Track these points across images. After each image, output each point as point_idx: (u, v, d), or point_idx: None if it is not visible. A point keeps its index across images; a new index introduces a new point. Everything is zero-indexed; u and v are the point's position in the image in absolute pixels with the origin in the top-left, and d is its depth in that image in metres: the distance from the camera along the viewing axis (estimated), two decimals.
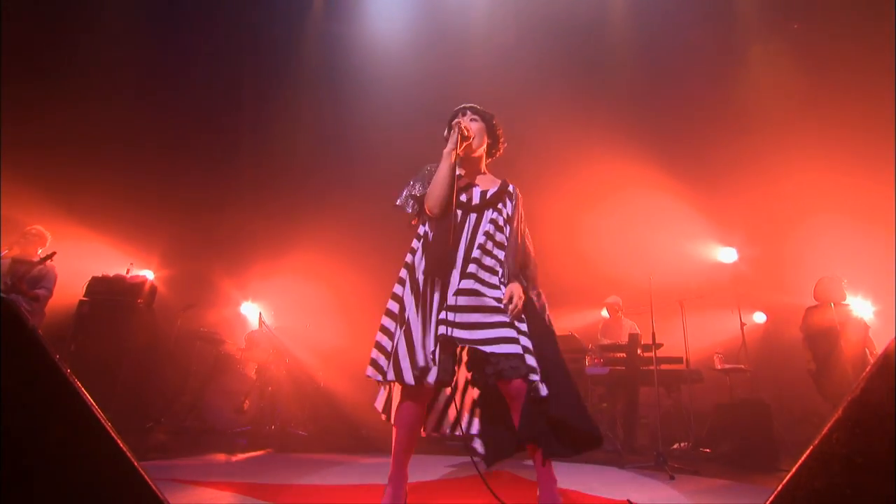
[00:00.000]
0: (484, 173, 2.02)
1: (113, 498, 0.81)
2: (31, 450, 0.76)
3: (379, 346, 1.77)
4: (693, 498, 2.50)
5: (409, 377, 1.65)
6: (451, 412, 1.86)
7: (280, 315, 5.87)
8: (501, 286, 1.77)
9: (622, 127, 5.63)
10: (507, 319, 1.69)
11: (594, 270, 5.56)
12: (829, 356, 3.81)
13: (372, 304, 6.02)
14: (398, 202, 1.92)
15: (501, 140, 2.06)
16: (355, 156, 6.59)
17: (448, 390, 1.86)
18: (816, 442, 0.86)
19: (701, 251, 5.78)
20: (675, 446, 4.35)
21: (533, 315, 1.79)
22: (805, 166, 5.17)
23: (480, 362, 1.70)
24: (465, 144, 1.90)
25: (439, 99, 6.01)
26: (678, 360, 4.34)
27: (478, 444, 1.83)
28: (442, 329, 1.64)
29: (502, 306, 1.71)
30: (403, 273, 1.85)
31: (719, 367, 4.64)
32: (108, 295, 4.19)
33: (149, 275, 5.07)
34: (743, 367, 4.64)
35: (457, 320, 1.66)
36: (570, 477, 2.84)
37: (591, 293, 5.70)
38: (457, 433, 1.85)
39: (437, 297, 1.74)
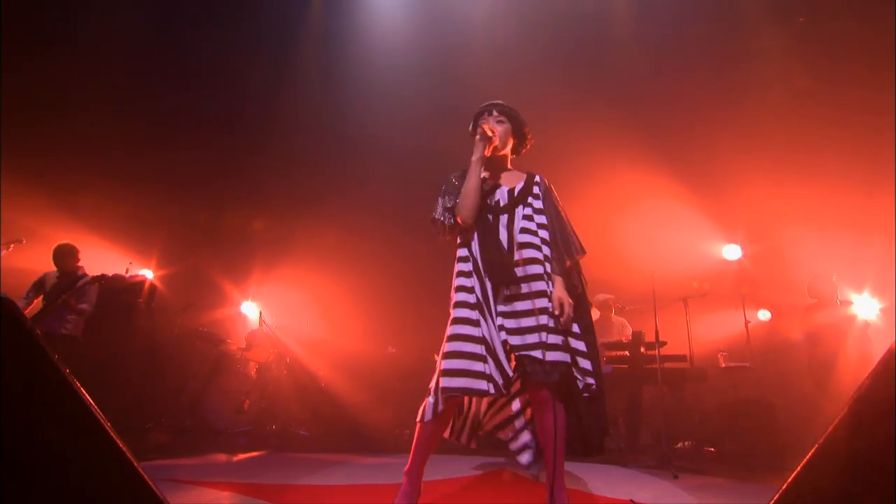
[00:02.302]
0: (509, 170, 2.00)
1: (113, 498, 0.82)
2: (31, 450, 0.77)
3: (453, 354, 1.67)
4: (697, 497, 2.50)
5: (485, 386, 1.62)
6: (475, 421, 1.86)
7: (281, 314, 5.88)
8: (547, 283, 1.76)
9: (623, 121, 5.61)
10: (553, 324, 1.69)
11: (593, 269, 5.54)
12: (830, 356, 3.79)
13: (375, 304, 6.08)
14: (435, 215, 1.89)
15: (529, 137, 2.04)
16: (357, 150, 6.59)
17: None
18: (821, 441, 0.86)
19: (704, 248, 5.76)
20: (679, 445, 4.35)
21: (584, 316, 1.79)
22: (812, 160, 5.14)
23: (528, 369, 1.69)
24: (491, 147, 1.88)
25: (442, 98, 6.02)
26: (682, 359, 4.33)
27: (525, 457, 1.82)
28: (503, 336, 1.67)
29: (549, 310, 1.70)
30: (459, 281, 1.80)
31: (723, 365, 4.63)
32: (106, 294, 4.21)
33: (148, 274, 5.08)
34: (747, 365, 4.63)
35: (508, 326, 1.68)
36: (572, 476, 2.84)
37: (590, 292, 5.69)
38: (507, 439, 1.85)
39: (493, 303, 1.75)
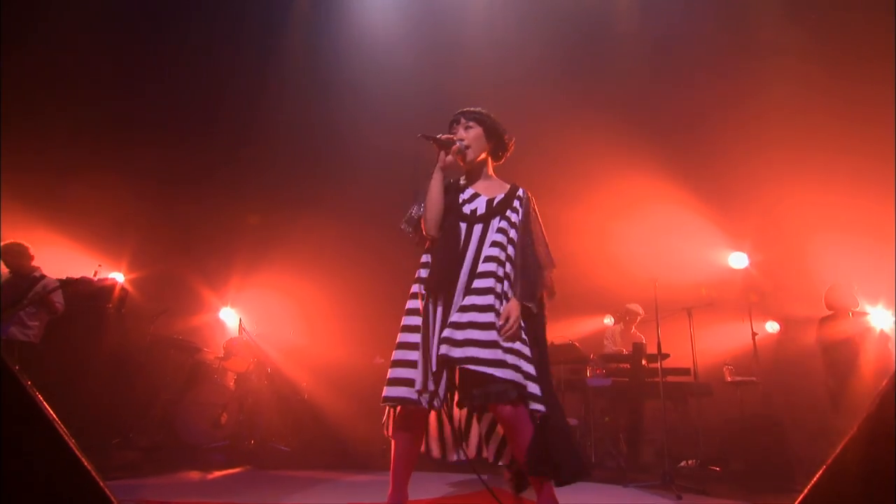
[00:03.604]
0: (490, 178, 2.01)
1: None
2: None
3: (393, 363, 1.79)
4: None
5: (402, 392, 1.70)
6: (458, 434, 1.88)
7: (262, 321, 5.86)
8: (502, 300, 1.79)
9: (623, 121, 5.65)
10: (493, 338, 1.70)
11: (592, 277, 5.57)
12: (848, 370, 3.82)
13: (362, 311, 6.06)
14: (402, 225, 1.96)
15: (507, 140, 2.03)
16: (343, 151, 6.59)
17: (458, 413, 1.87)
18: (830, 461, 0.87)
19: (710, 256, 5.80)
20: (683, 464, 4.37)
21: (535, 337, 1.81)
22: (824, 162, 5.20)
23: (470, 383, 1.69)
24: (456, 156, 1.92)
25: (434, 99, 6.04)
26: (685, 372, 4.35)
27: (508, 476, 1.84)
28: (443, 349, 1.67)
29: (491, 322, 1.72)
30: (415, 287, 1.88)
31: (729, 379, 4.66)
32: (73, 299, 4.15)
33: (118, 277, 5.04)
34: (754, 379, 4.66)
35: (457, 338, 1.69)
36: (569, 496, 2.82)
37: (589, 300, 5.71)
38: (460, 458, 1.88)
39: (440, 313, 1.77)
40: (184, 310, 5.83)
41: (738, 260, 5.63)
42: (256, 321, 5.75)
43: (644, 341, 4.92)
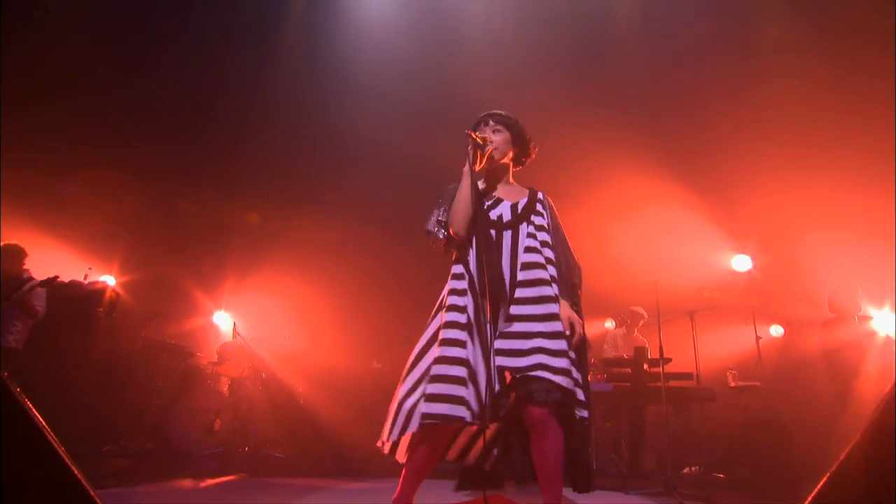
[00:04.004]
0: (511, 184, 2.04)
1: None
2: None
3: (439, 378, 1.70)
4: None
5: (463, 413, 1.64)
6: (479, 441, 1.88)
7: (257, 325, 5.85)
8: (558, 305, 1.80)
9: (623, 121, 5.65)
10: (564, 347, 1.72)
11: (591, 280, 5.56)
12: (852, 375, 3.83)
13: (360, 314, 6.04)
14: (428, 227, 1.93)
15: (531, 146, 2.07)
16: (342, 150, 6.58)
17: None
18: (834, 468, 0.87)
19: (712, 258, 5.81)
20: (686, 470, 4.36)
21: (580, 344, 1.83)
22: (829, 162, 5.20)
23: (513, 387, 1.71)
24: (485, 157, 1.92)
25: (435, 97, 6.04)
26: (688, 377, 4.35)
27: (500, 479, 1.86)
28: (499, 360, 1.68)
29: (559, 332, 1.74)
30: (452, 299, 1.81)
31: (733, 384, 4.67)
32: (63, 303, 4.14)
33: (109, 280, 5.03)
34: (759, 384, 4.67)
35: (505, 347, 1.70)
36: (568, 502, 2.83)
37: (589, 304, 5.70)
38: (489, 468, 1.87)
39: (489, 326, 1.76)
40: (176, 313, 5.81)
41: (741, 262, 5.63)
42: (251, 325, 5.74)
43: (647, 345, 4.93)
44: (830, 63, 5.37)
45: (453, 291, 1.83)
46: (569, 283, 1.89)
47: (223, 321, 6.18)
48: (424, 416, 1.67)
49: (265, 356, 5.15)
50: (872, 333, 4.02)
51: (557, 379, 1.65)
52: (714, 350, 5.37)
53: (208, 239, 6.35)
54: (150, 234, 5.89)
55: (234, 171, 6.45)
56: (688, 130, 5.88)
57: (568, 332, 1.75)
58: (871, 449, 0.82)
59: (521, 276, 1.81)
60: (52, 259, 4.95)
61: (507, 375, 1.75)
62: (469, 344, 1.73)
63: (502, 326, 1.75)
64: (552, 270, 1.86)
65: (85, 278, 4.57)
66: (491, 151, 1.93)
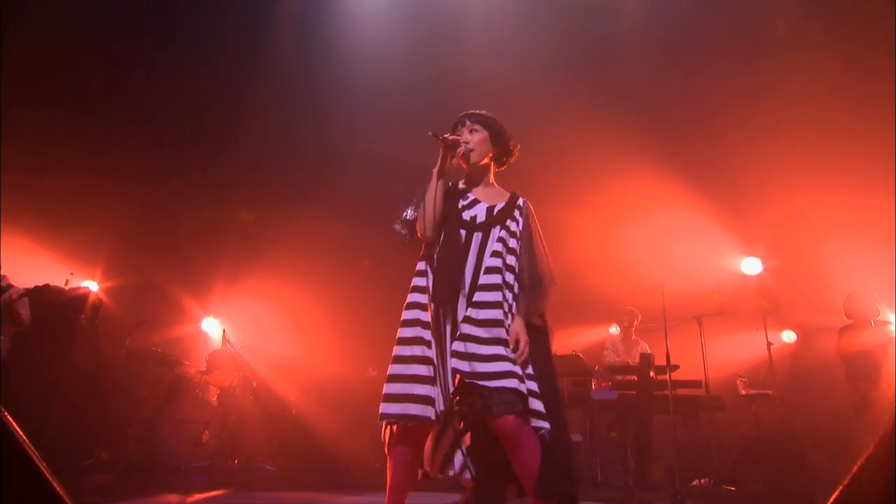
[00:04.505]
0: (491, 185, 2.06)
1: None
2: None
3: (396, 378, 1.78)
4: None
5: (424, 411, 1.70)
6: (458, 450, 1.90)
7: (247, 332, 5.85)
8: (509, 315, 1.83)
9: (629, 120, 5.67)
10: (503, 352, 1.74)
11: (596, 284, 5.58)
12: (870, 383, 3.83)
13: (355, 320, 6.04)
14: (395, 226, 2.00)
15: (512, 146, 2.09)
16: (336, 149, 6.58)
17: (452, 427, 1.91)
18: (846, 481, 0.87)
19: (721, 261, 5.81)
20: (695, 483, 4.36)
21: (540, 354, 1.84)
22: (842, 162, 5.22)
23: (472, 396, 1.72)
24: (457, 158, 1.96)
25: (432, 94, 6.05)
26: (696, 385, 4.36)
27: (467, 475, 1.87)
28: (455, 362, 1.71)
29: (508, 344, 1.77)
30: (414, 297, 1.89)
31: (744, 392, 4.67)
32: (43, 310, 4.13)
33: (92, 286, 5.02)
34: (770, 392, 4.67)
35: (458, 350, 1.73)
36: None
37: (593, 309, 5.72)
38: (455, 474, 1.89)
39: (448, 325, 1.82)
40: (163, 320, 5.80)
41: (751, 265, 5.64)
42: (241, 332, 5.73)
43: (649, 350, 4.94)
44: (844, 61, 5.39)
45: (415, 289, 1.91)
46: (530, 295, 1.89)
47: (212, 328, 6.17)
48: (381, 416, 1.74)
49: (256, 364, 5.14)
50: (891, 339, 4.03)
51: (505, 383, 1.67)
52: (723, 357, 5.37)
53: (197, 242, 6.34)
54: (135, 238, 5.86)
55: (225, 171, 6.44)
56: (695, 129, 5.89)
57: (511, 346, 1.77)
58: (886, 461, 0.82)
59: (482, 279, 1.84)
60: (31, 263, 4.95)
61: (458, 378, 1.77)
62: (434, 343, 1.80)
63: (462, 328, 1.78)
64: (508, 277, 1.88)
65: (66, 284, 4.56)
66: (464, 152, 1.96)
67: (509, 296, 1.86)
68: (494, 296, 1.82)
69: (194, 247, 6.31)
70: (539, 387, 1.77)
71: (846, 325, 4.20)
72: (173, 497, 3.45)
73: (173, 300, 6.05)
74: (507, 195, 2.05)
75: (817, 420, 5.08)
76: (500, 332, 1.77)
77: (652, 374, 4.39)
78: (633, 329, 5.14)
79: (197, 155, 6.26)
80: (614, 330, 5.48)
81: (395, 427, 1.79)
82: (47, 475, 0.83)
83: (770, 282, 5.70)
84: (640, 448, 4.42)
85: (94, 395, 4.43)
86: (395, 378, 1.77)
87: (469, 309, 1.79)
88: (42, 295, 3.95)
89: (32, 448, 0.84)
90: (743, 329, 5.47)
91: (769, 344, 4.83)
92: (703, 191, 5.68)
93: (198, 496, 3.50)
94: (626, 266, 5.86)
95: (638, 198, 5.94)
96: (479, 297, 1.81)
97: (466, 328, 1.76)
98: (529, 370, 1.78)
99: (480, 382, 1.68)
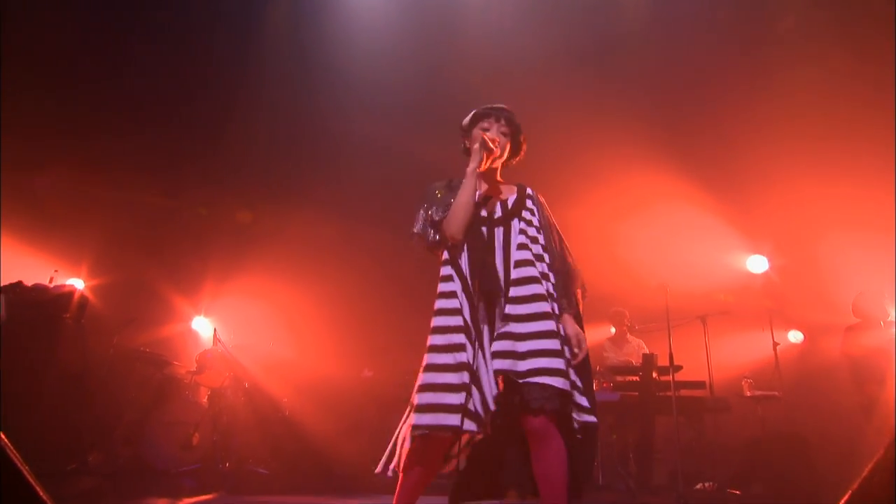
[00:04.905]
0: (498, 181, 2.09)
1: None
2: None
3: (428, 387, 1.74)
4: None
5: (455, 420, 1.66)
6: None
7: (239, 331, 5.81)
8: (550, 304, 1.83)
9: (631, 112, 5.66)
10: (558, 347, 1.74)
11: (596, 283, 5.58)
12: (881, 385, 3.84)
13: (351, 319, 6.02)
14: (416, 229, 1.97)
15: (523, 149, 2.13)
16: (332, 142, 6.56)
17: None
18: (855, 486, 0.87)
19: (726, 259, 5.83)
20: (699, 486, 4.38)
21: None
22: (851, 157, 5.22)
23: (512, 393, 1.72)
24: (490, 160, 1.96)
25: (432, 86, 6.03)
26: (700, 386, 4.37)
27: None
28: (497, 363, 1.71)
29: (557, 335, 1.77)
30: (442, 303, 1.85)
31: (749, 394, 4.68)
32: (25, 309, 4.10)
33: (77, 284, 4.99)
34: (776, 394, 4.69)
35: (500, 349, 1.73)
36: None
37: (593, 308, 5.72)
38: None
39: (485, 327, 1.81)
40: (151, 319, 5.76)
41: (756, 264, 5.65)
42: (233, 331, 5.70)
43: (646, 349, 4.95)
44: (853, 53, 5.39)
45: (444, 294, 1.86)
46: (567, 290, 1.92)
47: (203, 327, 6.16)
48: (414, 427, 1.70)
49: (248, 365, 5.11)
50: None
51: (552, 381, 1.67)
52: (728, 357, 5.38)
53: (187, 238, 6.31)
54: (122, 234, 5.82)
55: (216, 166, 6.41)
56: (699, 123, 5.89)
57: (576, 350, 1.80)
58: (895, 466, 0.82)
59: (514, 273, 1.84)
60: (12, 261, 4.92)
61: (501, 379, 1.76)
62: (468, 347, 1.75)
63: (498, 327, 1.79)
64: (542, 268, 1.89)
65: (50, 281, 4.53)
66: (496, 154, 1.97)
67: (549, 286, 1.86)
68: (534, 288, 1.81)
69: (184, 243, 6.28)
70: (582, 381, 1.80)
71: (853, 325, 4.22)
72: (162, 502, 3.45)
73: (162, 298, 6.02)
74: (515, 188, 2.06)
75: (824, 422, 5.09)
76: (549, 325, 1.76)
77: (655, 374, 4.40)
78: (624, 329, 5.17)
79: (187, 148, 6.22)
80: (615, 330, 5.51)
81: (421, 439, 1.73)
82: (30, 479, 0.82)
83: (776, 280, 5.72)
84: (643, 451, 4.43)
85: (79, 397, 4.40)
86: (427, 388, 1.73)
87: (508, 306, 1.79)
88: (20, 293, 3.93)
89: (14, 451, 0.83)
90: (748, 329, 5.49)
91: (775, 344, 4.85)
92: (707, 186, 5.67)
93: (187, 501, 3.50)
94: (628, 264, 5.86)
95: (639, 193, 5.94)
96: (516, 291, 1.80)
97: (508, 326, 1.76)
98: (569, 355, 1.80)
99: (529, 379, 1.68)
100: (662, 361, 4.25)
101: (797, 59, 5.62)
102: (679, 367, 4.09)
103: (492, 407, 1.71)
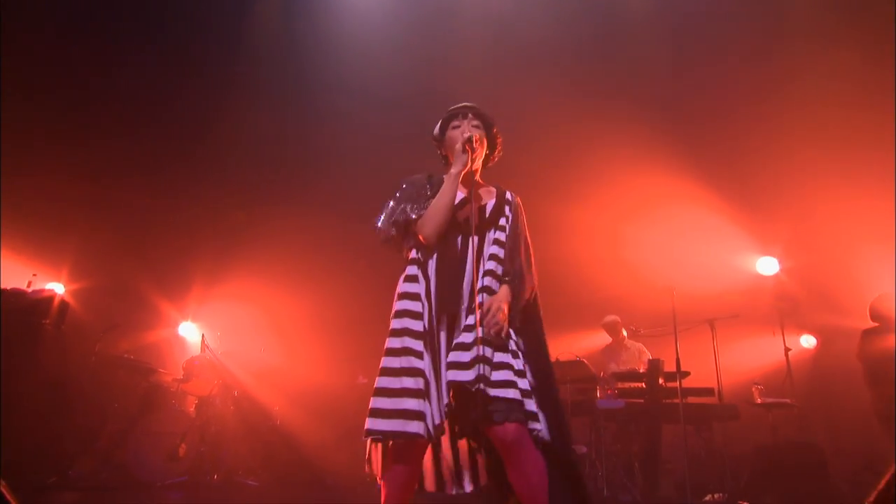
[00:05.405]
0: (478, 183, 2.08)
1: None
2: None
3: (384, 392, 1.75)
4: None
5: (417, 428, 1.68)
6: (457, 466, 1.91)
7: (228, 337, 5.81)
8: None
9: (638, 112, 5.67)
10: (509, 361, 1.74)
11: (602, 285, 5.58)
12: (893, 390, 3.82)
13: (344, 324, 6.00)
14: (379, 224, 1.96)
15: (499, 149, 2.13)
16: (323, 139, 6.57)
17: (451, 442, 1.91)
18: (872, 498, 0.85)
19: (735, 261, 5.83)
20: (707, 498, 4.35)
21: (533, 345, 1.87)
22: (864, 157, 5.23)
23: (466, 404, 1.71)
24: (473, 158, 1.97)
25: (427, 80, 6.02)
26: (709, 392, 4.36)
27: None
28: (451, 374, 1.71)
29: (506, 349, 1.76)
30: (404, 304, 1.86)
31: (759, 401, 4.66)
32: (2, 314, 4.08)
33: (57, 288, 4.99)
34: (788, 401, 4.67)
35: (460, 360, 1.72)
36: None
37: (599, 311, 5.72)
38: (457, 490, 1.91)
39: (443, 335, 1.82)
40: (136, 325, 5.79)
41: (767, 265, 5.65)
42: (222, 337, 5.70)
43: (648, 354, 4.94)
44: (865, 49, 5.40)
45: (406, 296, 1.87)
46: (514, 293, 1.88)
47: (190, 333, 6.19)
48: (367, 432, 1.72)
49: (237, 372, 5.13)
50: None
51: (511, 393, 1.68)
52: (737, 362, 5.39)
53: (173, 241, 6.30)
54: (105, 236, 5.83)
55: (204, 165, 6.41)
56: (708, 122, 5.90)
57: (481, 315, 1.75)
58: None
59: (482, 282, 1.84)
60: None
61: (454, 391, 1.76)
62: (425, 354, 1.78)
63: (456, 336, 1.79)
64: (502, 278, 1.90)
65: (28, 286, 4.53)
66: (479, 154, 1.98)
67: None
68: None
69: (171, 245, 6.27)
70: (532, 382, 1.77)
71: (871, 329, 4.20)
72: None
73: (147, 303, 6.03)
74: (494, 190, 2.07)
75: (839, 430, 5.09)
76: (506, 341, 1.77)
77: (661, 381, 4.39)
78: (621, 337, 5.20)
79: (172, 148, 6.22)
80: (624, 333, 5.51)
81: (389, 445, 1.77)
82: (6, 495, 0.80)
83: (787, 283, 5.71)
84: (649, 461, 4.41)
85: (59, 407, 4.39)
86: (383, 392, 1.75)
87: (469, 317, 1.79)
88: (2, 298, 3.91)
89: None
90: (758, 333, 5.49)
91: (787, 349, 4.85)
92: (715, 186, 5.68)
93: None
94: (634, 266, 5.87)
95: (646, 194, 5.95)
96: (478, 302, 1.80)
97: (464, 337, 1.76)
98: (519, 364, 1.78)
99: (484, 388, 1.67)
100: (669, 367, 4.24)
101: (810, 59, 5.63)
102: (686, 374, 4.07)
103: (437, 419, 1.72)
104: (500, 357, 1.74)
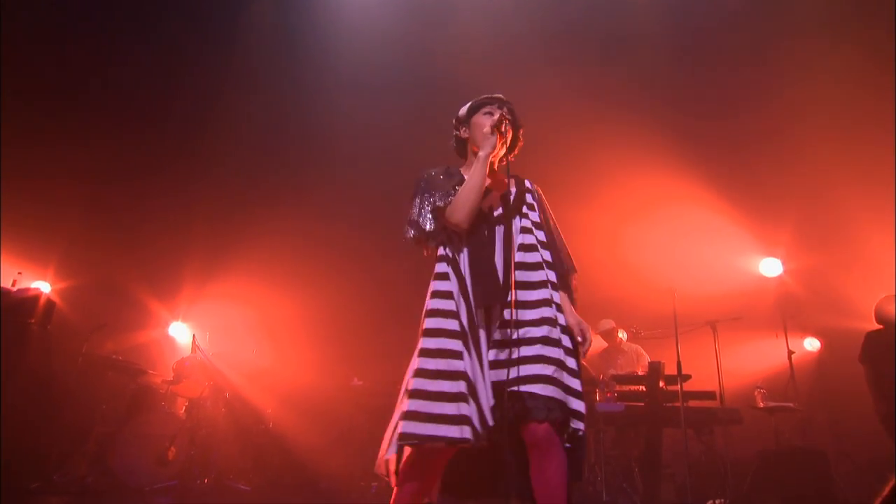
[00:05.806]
0: (496, 171, 2.08)
1: None
2: None
3: (420, 394, 1.70)
4: None
5: (454, 432, 1.64)
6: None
7: (219, 338, 5.84)
8: (553, 310, 1.83)
9: (640, 111, 5.70)
10: (560, 356, 1.76)
11: (602, 286, 5.59)
12: None
13: (338, 326, 6.00)
14: (414, 216, 1.93)
15: (516, 152, 2.14)
16: (316, 141, 6.59)
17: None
18: (878, 502, 0.85)
19: (737, 263, 5.84)
20: (709, 503, 4.37)
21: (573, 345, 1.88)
22: (869, 156, 5.25)
23: (510, 402, 1.72)
24: (499, 144, 1.97)
25: (422, 81, 6.03)
26: (710, 396, 4.36)
27: None
28: (494, 374, 1.73)
29: (556, 338, 1.78)
30: (436, 303, 1.81)
31: (762, 405, 4.68)
32: None
33: (43, 287, 4.98)
34: (792, 405, 4.68)
35: (500, 358, 1.75)
36: None
37: (598, 313, 5.73)
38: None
39: (482, 333, 1.80)
40: (124, 325, 5.77)
41: (770, 267, 5.66)
42: (213, 338, 5.73)
43: (647, 357, 4.95)
44: (870, 47, 5.42)
45: (438, 294, 1.83)
46: (567, 287, 1.96)
47: (180, 333, 6.16)
48: (402, 436, 1.67)
49: (229, 373, 5.15)
50: None
51: (550, 391, 1.69)
52: (740, 366, 5.41)
53: (163, 239, 6.27)
54: (92, 233, 5.80)
55: (195, 163, 6.42)
56: (710, 121, 5.92)
57: (580, 339, 1.85)
58: None
59: (517, 276, 1.81)
60: None
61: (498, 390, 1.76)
62: (465, 354, 1.73)
63: (496, 333, 1.79)
64: (549, 274, 1.90)
65: (13, 284, 4.53)
66: (506, 140, 1.98)
67: (554, 294, 1.87)
68: (541, 294, 1.83)
69: (160, 244, 6.24)
70: (579, 385, 1.81)
71: (875, 331, 4.21)
72: None
73: (136, 302, 6.01)
74: (513, 180, 2.06)
75: (843, 435, 5.10)
76: (551, 332, 1.78)
77: (662, 384, 4.38)
78: (617, 341, 5.22)
79: (163, 145, 6.23)
80: (623, 335, 5.52)
81: (418, 449, 1.73)
82: None
83: (791, 285, 5.72)
84: (649, 465, 4.41)
85: (45, 409, 4.39)
86: (419, 394, 1.69)
87: (507, 311, 1.79)
88: None
89: None
90: (761, 336, 5.50)
91: (790, 352, 4.86)
92: (718, 187, 5.70)
93: None
94: (635, 267, 5.87)
95: (648, 194, 5.97)
96: (520, 296, 1.81)
97: (508, 333, 1.76)
98: (572, 363, 1.80)
99: (530, 388, 1.69)
100: (670, 370, 4.24)
101: (816, 59, 5.65)
102: (688, 377, 4.08)
103: (489, 421, 1.69)
104: (550, 351, 1.75)
